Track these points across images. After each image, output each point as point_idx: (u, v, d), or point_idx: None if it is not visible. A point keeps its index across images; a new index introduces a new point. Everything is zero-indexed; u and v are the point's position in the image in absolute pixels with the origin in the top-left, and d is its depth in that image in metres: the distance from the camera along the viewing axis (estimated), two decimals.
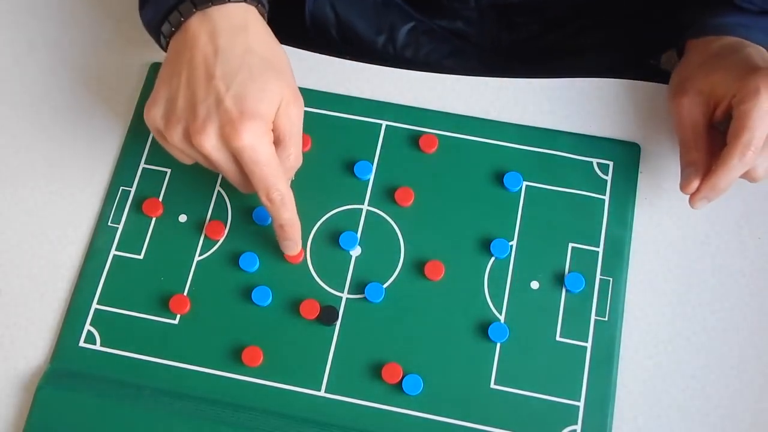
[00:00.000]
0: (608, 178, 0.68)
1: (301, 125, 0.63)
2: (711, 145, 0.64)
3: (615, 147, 0.70)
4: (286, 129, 0.61)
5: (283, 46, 0.70)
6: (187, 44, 0.60)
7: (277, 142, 0.61)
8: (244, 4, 0.62)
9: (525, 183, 0.68)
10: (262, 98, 0.59)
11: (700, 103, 0.65)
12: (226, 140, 0.58)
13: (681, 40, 0.71)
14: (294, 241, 0.64)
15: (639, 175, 0.69)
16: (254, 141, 0.58)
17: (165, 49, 0.64)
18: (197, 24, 0.61)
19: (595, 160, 0.69)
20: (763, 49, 0.67)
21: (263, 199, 0.61)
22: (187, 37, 0.61)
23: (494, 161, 0.69)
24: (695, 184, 0.63)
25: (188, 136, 0.59)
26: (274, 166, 0.60)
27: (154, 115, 0.61)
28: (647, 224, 0.68)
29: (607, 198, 0.68)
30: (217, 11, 0.61)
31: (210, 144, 0.59)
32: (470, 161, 0.69)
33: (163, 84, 0.61)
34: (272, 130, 0.60)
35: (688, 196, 0.63)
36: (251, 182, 0.61)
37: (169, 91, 0.60)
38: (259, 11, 0.63)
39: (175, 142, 0.60)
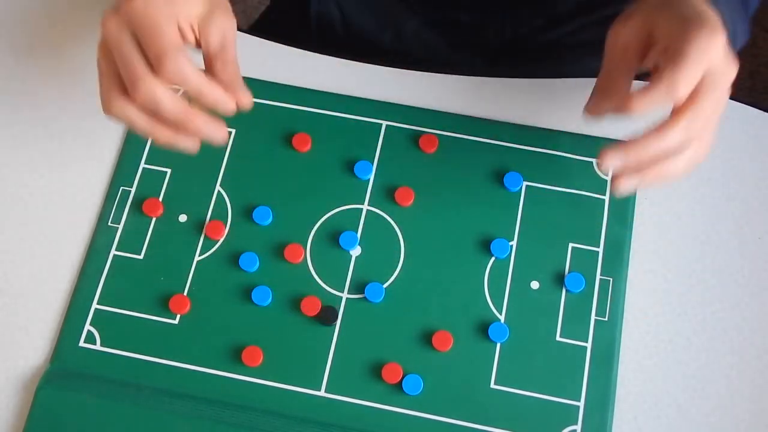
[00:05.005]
0: (608, 178, 0.68)
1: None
2: (631, 80, 0.58)
3: None
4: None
5: (287, 47, 0.70)
6: None
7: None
8: None
9: (525, 183, 0.68)
10: None
11: (638, 29, 0.58)
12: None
13: None
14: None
15: None
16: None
17: None
18: None
19: (595, 160, 0.69)
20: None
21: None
22: None
23: (494, 161, 0.69)
24: (604, 105, 0.56)
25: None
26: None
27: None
28: (647, 224, 0.68)
29: (607, 198, 0.68)
30: None
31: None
32: (470, 161, 0.69)
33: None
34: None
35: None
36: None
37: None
38: None
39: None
